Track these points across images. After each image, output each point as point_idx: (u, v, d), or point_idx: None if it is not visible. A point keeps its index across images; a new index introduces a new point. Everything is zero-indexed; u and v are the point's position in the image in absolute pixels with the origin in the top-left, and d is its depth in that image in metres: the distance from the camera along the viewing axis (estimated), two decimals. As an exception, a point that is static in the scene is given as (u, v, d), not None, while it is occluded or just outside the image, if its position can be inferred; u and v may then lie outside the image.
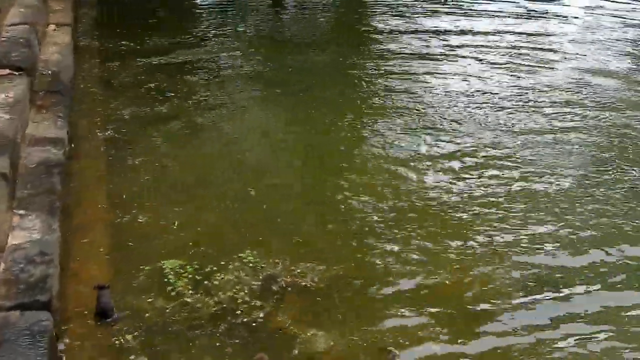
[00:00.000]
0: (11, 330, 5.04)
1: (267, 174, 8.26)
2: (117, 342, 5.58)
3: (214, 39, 12.58)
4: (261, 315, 5.94)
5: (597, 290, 6.53)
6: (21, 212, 6.47)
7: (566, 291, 6.48)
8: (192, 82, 10.61)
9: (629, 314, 6.26)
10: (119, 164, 8.15)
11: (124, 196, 7.52)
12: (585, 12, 15.22)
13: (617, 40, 13.52)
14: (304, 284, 6.36)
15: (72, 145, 8.32)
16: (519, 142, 9.16)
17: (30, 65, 8.68)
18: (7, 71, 8.21)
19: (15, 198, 6.60)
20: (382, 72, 11.47)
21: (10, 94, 7.71)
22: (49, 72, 9.40)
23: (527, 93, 10.76)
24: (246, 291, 6.20)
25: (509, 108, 10.18)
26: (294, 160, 8.79)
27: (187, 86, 10.41)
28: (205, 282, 6.27)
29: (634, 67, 12.22)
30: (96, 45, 11.79)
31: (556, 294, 6.43)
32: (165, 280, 6.26)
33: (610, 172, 8.58)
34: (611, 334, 5.99)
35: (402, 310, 6.13)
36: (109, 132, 8.82)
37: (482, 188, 8.04)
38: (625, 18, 14.90)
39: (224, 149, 8.80)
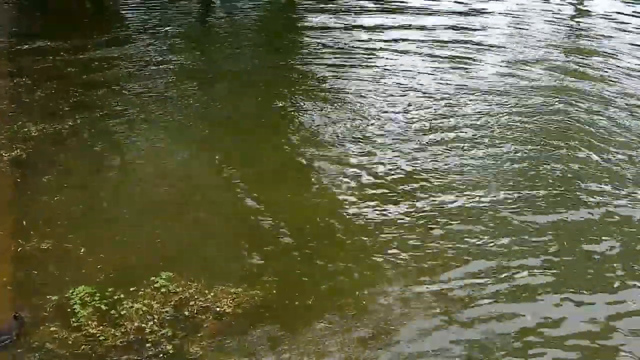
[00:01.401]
0: None
1: (182, 192, 8.02)
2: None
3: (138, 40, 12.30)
4: (171, 345, 5.72)
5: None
6: None
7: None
8: (107, 94, 10.27)
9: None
10: (27, 187, 7.81)
11: (31, 221, 7.20)
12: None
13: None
14: (218, 309, 6.17)
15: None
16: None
17: None
18: None
19: None
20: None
21: None
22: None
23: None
24: (156, 319, 5.97)
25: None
26: (214, 175, 8.53)
27: (101, 99, 10.08)
28: (112, 311, 6.02)
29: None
30: (6, 52, 11.35)
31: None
32: (70, 309, 6.00)
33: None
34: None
35: (322, 335, 5.98)
36: (16, 152, 8.46)
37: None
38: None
39: (137, 168, 8.53)
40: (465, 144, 9.03)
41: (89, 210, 7.55)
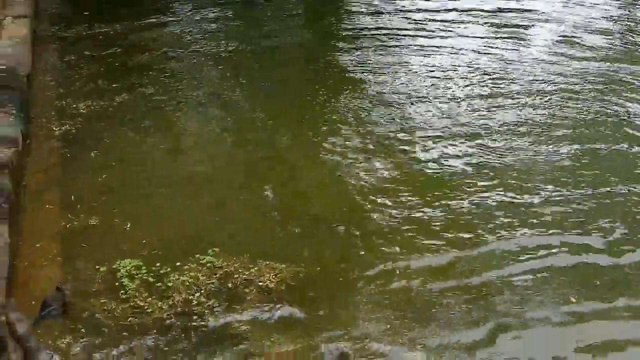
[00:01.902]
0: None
1: (227, 170, 8.08)
2: (65, 344, 5.45)
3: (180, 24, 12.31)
4: (217, 318, 5.79)
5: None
6: (-33, 215, 6.30)
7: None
8: (156, 74, 10.34)
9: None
10: (74, 162, 7.94)
11: (78, 196, 7.32)
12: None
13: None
14: (261, 283, 6.22)
15: (27, 142, 8.10)
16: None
17: (-18, 61, 8.45)
18: (-44, 68, 7.98)
19: (-39, 202, 6.43)
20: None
21: (-40, 91, 7.49)
22: (3, 66, 9.15)
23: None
24: (202, 292, 6.05)
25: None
26: (258, 153, 8.51)
27: (149, 78, 10.15)
28: (159, 283, 6.12)
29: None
30: (57, 37, 11.50)
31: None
32: (117, 282, 6.10)
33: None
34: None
35: (366, 313, 5.97)
36: (64, 128, 8.60)
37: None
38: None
39: (183, 145, 8.59)
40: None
41: (134, 186, 7.64)
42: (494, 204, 7.37)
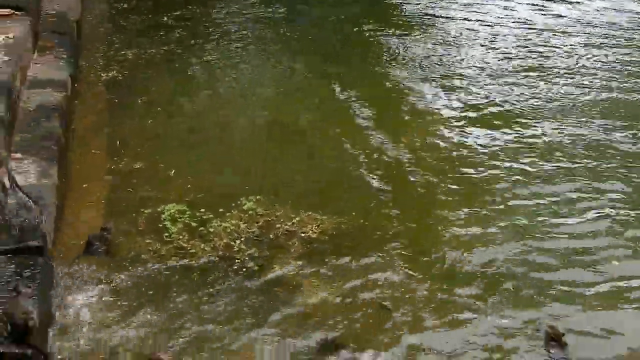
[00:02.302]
0: (3, 275, 5.02)
1: (270, 121, 8.12)
2: (109, 282, 5.56)
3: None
4: (258, 263, 5.85)
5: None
6: (18, 155, 6.41)
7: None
8: (205, 27, 10.33)
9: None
10: (121, 108, 8.04)
11: (124, 141, 7.43)
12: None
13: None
14: (304, 234, 6.24)
15: (75, 87, 8.21)
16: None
17: (33, 5, 8.50)
18: (9, 11, 8.05)
19: (12, 142, 6.55)
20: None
21: (11, 34, 7.56)
22: (54, 12, 9.24)
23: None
24: (243, 239, 6.10)
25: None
26: (302, 105, 8.53)
27: (198, 31, 10.16)
28: (201, 228, 6.20)
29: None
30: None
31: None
32: (161, 225, 6.20)
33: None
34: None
35: (406, 268, 5.96)
36: (112, 73, 8.69)
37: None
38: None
39: (229, 94, 8.63)
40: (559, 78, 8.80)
41: (179, 133, 7.72)
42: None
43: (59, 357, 4.83)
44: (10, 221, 5.50)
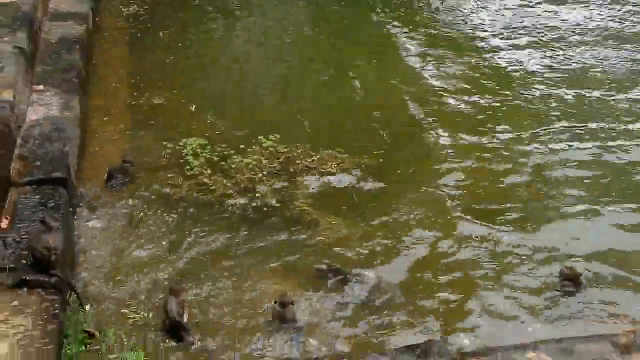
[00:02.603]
0: (27, 205, 5.09)
1: (290, 65, 8.04)
2: (129, 212, 5.63)
3: None
4: (277, 199, 5.88)
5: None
6: (40, 87, 6.42)
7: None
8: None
9: None
10: (141, 42, 8.01)
11: (145, 75, 7.42)
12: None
13: None
14: (324, 170, 6.25)
15: (96, 20, 8.15)
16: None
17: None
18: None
19: (34, 73, 6.55)
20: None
21: (32, -35, 7.48)
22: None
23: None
24: (264, 174, 6.13)
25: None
26: (321, 54, 8.35)
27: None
28: (223, 163, 6.22)
29: None
30: None
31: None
32: (183, 159, 6.23)
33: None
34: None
35: (419, 203, 5.98)
36: (133, 8, 8.61)
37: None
38: None
39: (251, 34, 8.53)
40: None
41: (199, 69, 7.68)
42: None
43: (81, 283, 4.91)
44: (34, 153, 5.58)
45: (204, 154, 6.28)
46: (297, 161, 6.32)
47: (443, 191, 6.11)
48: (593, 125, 7.02)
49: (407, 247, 5.49)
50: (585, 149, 6.72)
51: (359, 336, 4.71)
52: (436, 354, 4.00)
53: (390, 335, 4.71)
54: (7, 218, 4.91)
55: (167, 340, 4.60)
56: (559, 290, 5.13)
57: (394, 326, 4.79)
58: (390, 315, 4.87)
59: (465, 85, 7.62)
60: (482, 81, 7.72)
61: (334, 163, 6.34)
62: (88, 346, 4.47)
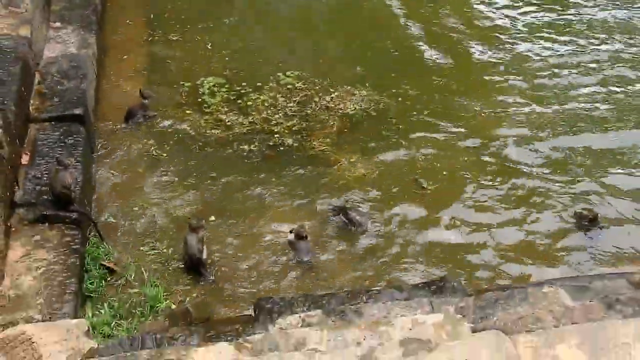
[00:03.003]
0: (47, 142, 5.13)
1: (306, 12, 7.84)
2: (147, 150, 5.67)
3: None
4: (294, 139, 5.87)
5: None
6: (57, 24, 6.38)
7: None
8: None
9: None
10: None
11: (161, 13, 7.34)
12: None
13: None
14: (340, 110, 6.22)
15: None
16: None
17: None
18: None
19: (50, 10, 6.51)
20: None
21: None
22: None
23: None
24: (281, 113, 6.11)
25: None
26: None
27: None
28: (239, 101, 6.21)
29: None
30: None
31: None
32: (201, 98, 6.22)
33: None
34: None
35: (432, 144, 5.96)
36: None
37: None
38: None
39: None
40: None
41: (216, 7, 7.57)
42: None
43: (101, 219, 4.98)
44: (52, 90, 5.59)
45: (221, 93, 6.27)
46: (316, 99, 6.28)
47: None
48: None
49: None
50: None
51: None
52: (451, 290, 4.01)
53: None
54: (27, 154, 4.96)
55: (187, 276, 4.69)
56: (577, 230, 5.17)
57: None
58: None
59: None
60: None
61: (352, 102, 6.29)
62: (108, 280, 4.57)
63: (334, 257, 4.93)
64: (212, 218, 5.11)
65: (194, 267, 4.71)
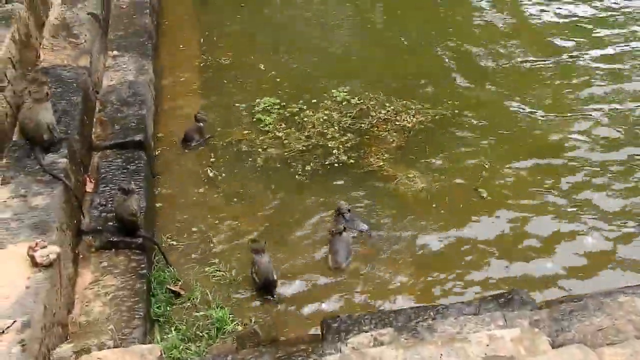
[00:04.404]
0: (110, 169, 5.20)
1: (354, 24, 7.93)
2: (206, 171, 5.70)
3: None
4: (353, 154, 5.83)
5: None
6: (114, 53, 6.51)
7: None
8: None
9: None
10: (209, 5, 8.01)
11: (212, 36, 7.45)
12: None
13: None
14: (400, 123, 6.16)
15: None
16: None
17: None
18: None
19: (107, 39, 6.64)
20: None
21: None
22: None
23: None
24: (336, 128, 6.10)
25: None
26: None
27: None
28: (296, 118, 6.23)
29: None
30: None
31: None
32: (257, 118, 6.25)
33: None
34: None
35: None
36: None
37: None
38: None
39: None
40: None
41: (266, 29, 7.67)
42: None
43: (164, 243, 5.01)
44: (113, 117, 5.68)
45: (276, 111, 6.30)
46: (372, 113, 6.26)
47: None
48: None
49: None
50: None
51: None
52: (519, 303, 3.91)
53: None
54: (91, 182, 5.03)
55: (252, 296, 4.68)
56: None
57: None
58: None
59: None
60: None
61: (409, 115, 6.24)
62: (174, 305, 4.58)
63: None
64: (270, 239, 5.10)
65: (266, 287, 4.70)
